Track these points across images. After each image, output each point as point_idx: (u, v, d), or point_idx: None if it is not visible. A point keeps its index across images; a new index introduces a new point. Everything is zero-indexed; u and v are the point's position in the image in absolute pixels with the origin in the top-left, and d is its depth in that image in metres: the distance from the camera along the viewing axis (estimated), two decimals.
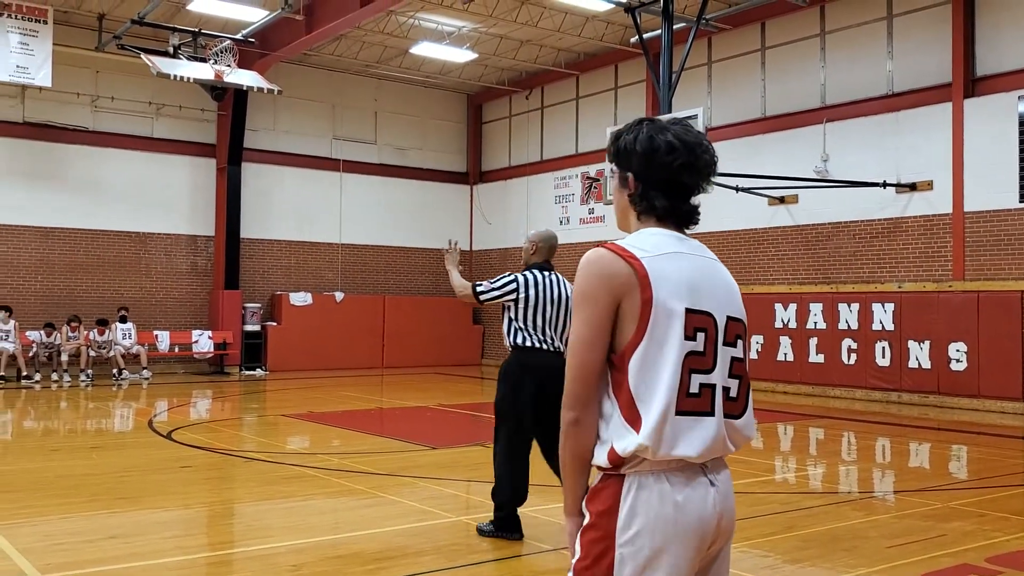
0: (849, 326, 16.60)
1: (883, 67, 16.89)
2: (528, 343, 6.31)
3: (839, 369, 16.72)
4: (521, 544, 6.18)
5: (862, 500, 8.15)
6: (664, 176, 2.34)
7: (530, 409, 6.29)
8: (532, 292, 6.30)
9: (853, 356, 16.53)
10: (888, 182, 16.27)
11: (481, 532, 6.44)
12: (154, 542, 6.18)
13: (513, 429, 6.38)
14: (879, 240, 16.64)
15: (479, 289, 6.39)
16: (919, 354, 15.64)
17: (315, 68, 23.23)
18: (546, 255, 6.51)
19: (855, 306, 16.53)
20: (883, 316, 16.12)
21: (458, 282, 6.54)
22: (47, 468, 9.06)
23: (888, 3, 16.82)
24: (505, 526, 6.34)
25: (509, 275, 6.40)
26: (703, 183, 2.39)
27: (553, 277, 6.42)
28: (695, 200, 2.40)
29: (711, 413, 2.24)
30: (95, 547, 5.99)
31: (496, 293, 6.34)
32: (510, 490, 6.32)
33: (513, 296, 6.31)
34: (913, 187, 16.13)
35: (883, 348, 16.10)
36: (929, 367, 15.49)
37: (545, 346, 6.33)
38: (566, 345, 6.16)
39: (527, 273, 6.39)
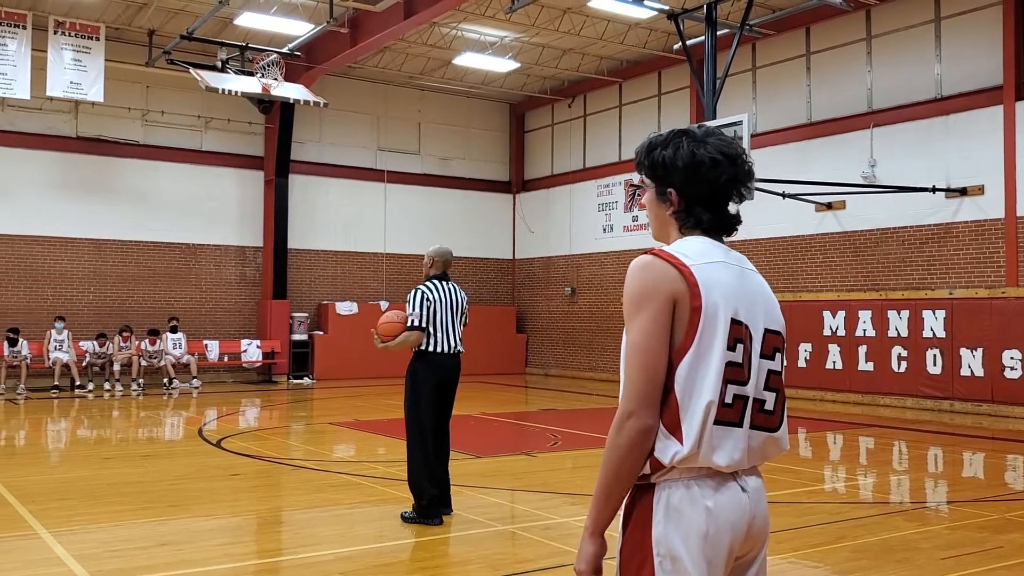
0: (899, 333, 16.34)
1: (931, 70, 16.64)
2: (431, 348, 7.10)
3: (889, 377, 16.46)
4: (567, 554, 6.17)
5: (914, 510, 8.01)
6: (709, 191, 2.33)
7: (434, 404, 7.12)
8: (435, 299, 7.12)
9: (903, 364, 16.26)
10: (938, 187, 16.02)
11: (405, 520, 6.98)
12: (204, 549, 6.27)
13: (423, 424, 7.11)
14: (929, 246, 16.38)
15: (411, 325, 7.11)
16: (972, 362, 15.35)
17: (360, 80, 23.46)
18: (442, 268, 7.37)
19: (905, 313, 16.27)
20: (934, 323, 15.84)
21: (402, 339, 7.14)
22: (101, 476, 9.23)
23: (936, 6, 16.58)
24: (428, 513, 6.94)
25: (416, 292, 7.14)
26: (744, 192, 2.39)
27: (450, 286, 7.29)
28: (734, 208, 2.40)
29: (739, 424, 2.24)
30: (147, 554, 6.09)
31: (421, 312, 7.07)
32: (428, 478, 7.00)
33: (429, 305, 7.08)
34: (964, 192, 15.86)
35: (934, 356, 15.82)
36: (982, 375, 15.19)
37: (446, 349, 7.14)
38: (461, 344, 7.30)
39: (428, 284, 7.20)
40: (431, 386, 7.11)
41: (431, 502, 6.96)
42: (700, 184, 2.32)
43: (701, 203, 2.34)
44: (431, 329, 7.07)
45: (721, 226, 2.37)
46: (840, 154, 17.68)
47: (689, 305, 2.19)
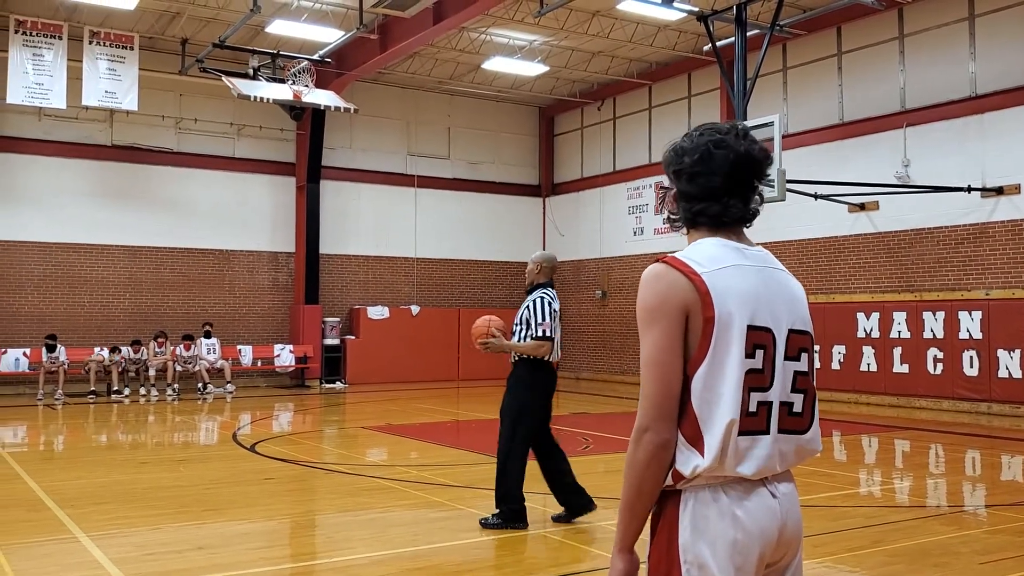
0: (934, 335, 16.15)
1: (965, 68, 16.45)
2: (549, 358, 6.90)
3: (925, 379, 16.27)
4: (600, 558, 6.16)
5: (952, 514, 7.91)
6: (713, 181, 2.27)
7: (543, 413, 6.99)
8: (556, 308, 6.93)
9: (939, 366, 16.07)
10: (973, 186, 15.82)
11: (487, 526, 6.83)
12: (239, 553, 6.32)
13: (531, 433, 6.93)
14: (964, 246, 16.18)
15: (539, 335, 6.80)
16: (1009, 363, 15.14)
17: (390, 86, 23.57)
18: (549, 275, 7.11)
19: (940, 314, 16.08)
20: (970, 324, 15.64)
21: (526, 346, 6.88)
22: (137, 480, 9.33)
23: (970, 3, 16.38)
24: (518, 518, 6.81)
25: (542, 301, 6.86)
26: (755, 172, 2.32)
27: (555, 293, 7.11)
28: (755, 205, 2.34)
29: (766, 431, 2.20)
30: (183, 558, 6.15)
31: (552, 324, 6.82)
32: (521, 483, 6.84)
33: (555, 315, 6.86)
34: (1000, 191, 15.65)
35: (971, 357, 15.62)
36: (1020, 376, 14.97)
37: (558, 356, 6.99)
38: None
39: (549, 292, 6.97)
40: (546, 396, 7.00)
41: (521, 508, 6.85)
42: (703, 175, 2.27)
43: (707, 196, 2.28)
44: (556, 338, 6.93)
45: (736, 217, 2.29)
46: (873, 154, 17.52)
47: (702, 315, 2.15)
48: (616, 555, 2.24)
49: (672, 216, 2.40)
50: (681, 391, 2.17)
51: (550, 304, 6.86)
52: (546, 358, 6.87)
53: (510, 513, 6.82)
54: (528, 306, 6.91)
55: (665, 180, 2.44)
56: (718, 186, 2.27)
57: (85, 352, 19.00)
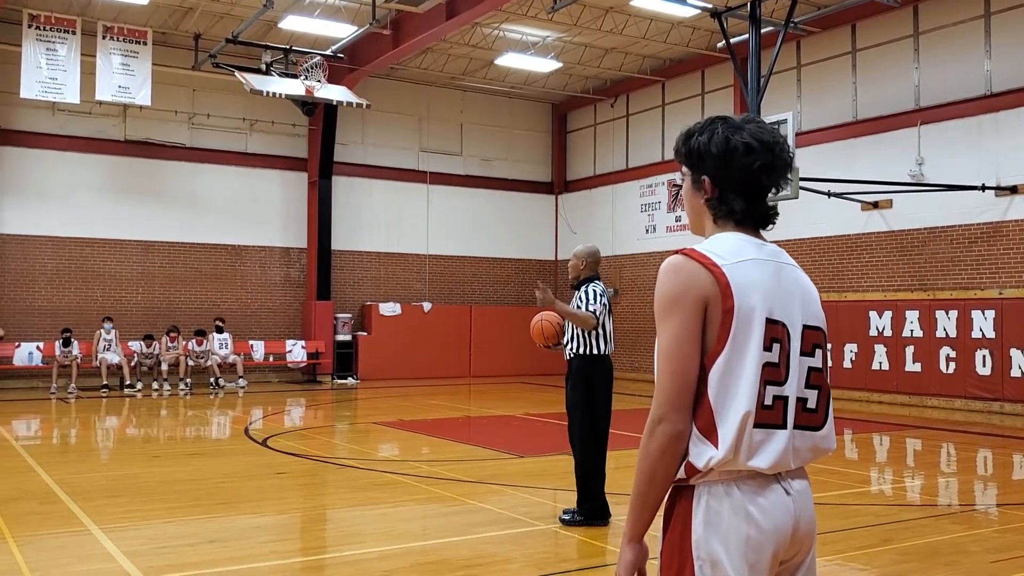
0: (947, 334, 16.08)
1: (981, 66, 16.36)
2: (605, 351, 6.96)
3: (937, 378, 16.21)
4: (610, 553, 6.17)
5: (963, 513, 7.88)
6: (742, 178, 2.26)
7: (603, 412, 6.99)
8: (607, 301, 6.99)
9: (952, 365, 16.01)
10: (987, 185, 15.74)
11: (567, 523, 6.81)
12: (251, 546, 6.35)
13: (598, 427, 6.95)
14: (978, 245, 16.11)
15: (591, 309, 6.86)
16: (1022, 363, 15.05)
17: (402, 82, 23.59)
18: (594, 269, 7.13)
19: (953, 313, 16.01)
20: (983, 323, 15.57)
21: (583, 313, 6.88)
22: (150, 474, 9.38)
23: (985, 1, 16.29)
24: (600, 514, 6.84)
25: (593, 290, 6.94)
26: (781, 183, 2.32)
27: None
28: (771, 201, 2.33)
29: (783, 426, 2.18)
30: (196, 551, 6.19)
31: (599, 307, 6.88)
32: (602, 480, 6.90)
33: (605, 303, 6.92)
34: (1014, 190, 15.57)
35: (983, 356, 15.55)
36: None
37: (612, 350, 7.01)
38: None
39: (596, 284, 7.00)
40: (606, 389, 7.01)
41: (603, 503, 6.88)
42: (733, 171, 2.26)
43: (734, 191, 2.28)
44: (605, 332, 6.92)
45: (756, 217, 2.30)
46: (887, 152, 17.44)
47: (721, 307, 2.14)
48: (625, 545, 2.23)
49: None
50: (697, 383, 2.16)
51: (603, 292, 6.97)
52: (601, 352, 6.91)
53: (592, 510, 6.85)
54: (579, 296, 6.99)
55: (677, 178, 2.43)
56: (762, 180, 2.28)
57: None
